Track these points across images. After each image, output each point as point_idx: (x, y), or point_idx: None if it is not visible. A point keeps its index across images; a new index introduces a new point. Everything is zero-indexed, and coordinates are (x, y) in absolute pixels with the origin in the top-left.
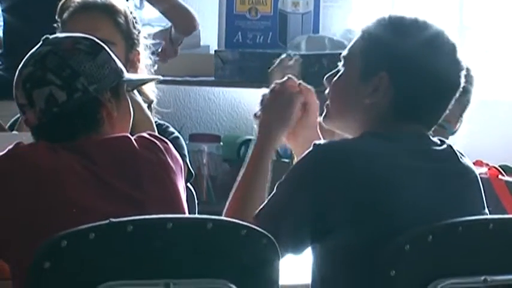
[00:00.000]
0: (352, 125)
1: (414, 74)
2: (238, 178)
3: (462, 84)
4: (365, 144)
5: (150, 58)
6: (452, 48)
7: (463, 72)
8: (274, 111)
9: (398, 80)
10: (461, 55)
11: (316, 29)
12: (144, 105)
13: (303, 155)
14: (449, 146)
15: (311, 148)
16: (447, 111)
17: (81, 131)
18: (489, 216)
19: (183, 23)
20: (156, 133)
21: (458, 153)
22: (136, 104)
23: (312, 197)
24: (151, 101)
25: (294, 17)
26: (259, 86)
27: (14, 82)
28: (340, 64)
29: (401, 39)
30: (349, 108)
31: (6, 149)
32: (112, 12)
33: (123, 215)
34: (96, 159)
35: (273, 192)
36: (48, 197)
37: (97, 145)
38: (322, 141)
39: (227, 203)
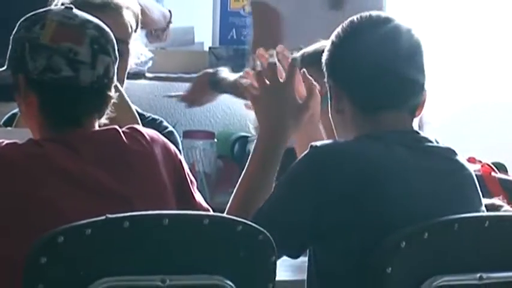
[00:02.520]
0: (348, 136)
1: (351, 66)
2: (244, 172)
3: (421, 65)
4: (360, 146)
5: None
6: (393, 32)
7: (419, 54)
8: (293, 112)
9: (340, 79)
10: (414, 39)
11: None
12: (132, 106)
13: (300, 156)
14: (444, 145)
15: (308, 150)
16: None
17: (100, 110)
18: (485, 214)
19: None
20: (140, 124)
21: (452, 151)
22: (124, 102)
23: (308, 199)
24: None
25: None
26: None
27: (72, 36)
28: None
29: (334, 46)
30: (335, 126)
31: None
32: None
33: (109, 212)
34: (83, 153)
35: (272, 192)
36: (28, 196)
37: (85, 139)
38: (318, 143)
39: (230, 201)
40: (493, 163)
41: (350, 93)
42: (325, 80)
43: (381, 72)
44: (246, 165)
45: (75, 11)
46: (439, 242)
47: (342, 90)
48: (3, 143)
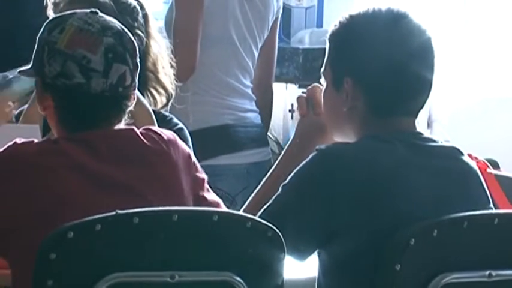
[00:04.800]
0: (349, 133)
1: (375, 71)
2: (269, 174)
3: (434, 66)
4: (365, 148)
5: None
6: (410, 34)
7: (432, 54)
8: (323, 131)
9: (361, 81)
10: (426, 38)
11: (319, 23)
12: (141, 97)
13: (307, 160)
14: (448, 143)
15: (315, 153)
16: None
17: (117, 116)
18: (494, 211)
19: None
20: (156, 125)
21: (457, 150)
22: (141, 104)
23: (317, 201)
24: (171, 97)
25: (298, 11)
26: None
27: (87, 44)
28: (322, 81)
29: (354, 41)
30: (337, 119)
31: (5, 147)
32: (95, 4)
33: (125, 208)
34: (100, 151)
35: (278, 193)
36: (44, 193)
37: (102, 137)
38: (324, 146)
39: (250, 198)
40: (486, 159)
41: (368, 94)
42: (331, 73)
43: (400, 72)
44: (272, 168)
45: (100, 15)
46: (448, 239)
47: (360, 89)
48: (20, 141)
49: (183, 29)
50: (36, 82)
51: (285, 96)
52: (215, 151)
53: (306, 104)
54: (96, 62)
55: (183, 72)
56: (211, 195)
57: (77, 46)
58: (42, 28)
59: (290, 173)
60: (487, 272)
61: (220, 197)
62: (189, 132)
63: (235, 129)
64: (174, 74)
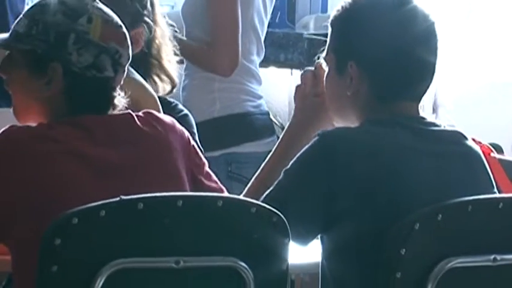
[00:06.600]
0: (351, 118)
1: (380, 55)
2: (268, 158)
3: (437, 51)
4: (367, 132)
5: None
6: (414, 19)
7: (435, 38)
8: (323, 114)
9: (366, 65)
10: (430, 23)
11: (324, 9)
12: (147, 85)
13: (309, 144)
14: (451, 128)
15: (316, 137)
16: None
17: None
18: (499, 196)
19: None
20: (161, 111)
21: (460, 135)
22: (138, 84)
23: (318, 186)
24: (175, 85)
25: None
26: (267, 66)
27: (118, 37)
28: (324, 66)
29: (358, 24)
30: (340, 104)
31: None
32: None
33: (121, 193)
34: (96, 135)
35: (279, 178)
36: (42, 180)
37: (98, 121)
38: (326, 131)
39: (250, 183)
40: (490, 144)
41: (372, 78)
42: (334, 57)
43: (404, 56)
44: (271, 153)
45: (97, 2)
46: (453, 223)
47: (364, 73)
48: (14, 127)
49: (225, 25)
50: (45, 64)
51: (290, 81)
52: (240, 138)
53: (311, 80)
54: (125, 57)
55: (229, 67)
56: (211, 181)
57: (110, 39)
58: (50, 10)
59: (289, 157)
60: (492, 257)
61: (245, 185)
62: (215, 119)
63: (256, 116)
64: (177, 62)
